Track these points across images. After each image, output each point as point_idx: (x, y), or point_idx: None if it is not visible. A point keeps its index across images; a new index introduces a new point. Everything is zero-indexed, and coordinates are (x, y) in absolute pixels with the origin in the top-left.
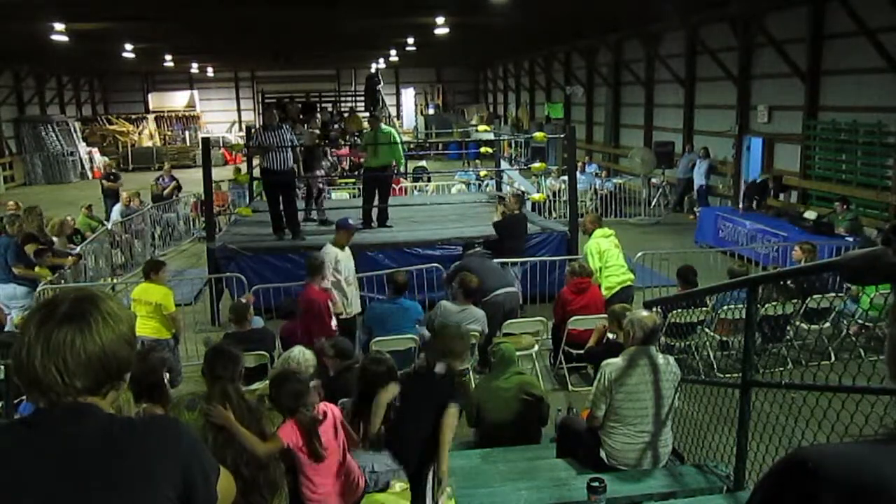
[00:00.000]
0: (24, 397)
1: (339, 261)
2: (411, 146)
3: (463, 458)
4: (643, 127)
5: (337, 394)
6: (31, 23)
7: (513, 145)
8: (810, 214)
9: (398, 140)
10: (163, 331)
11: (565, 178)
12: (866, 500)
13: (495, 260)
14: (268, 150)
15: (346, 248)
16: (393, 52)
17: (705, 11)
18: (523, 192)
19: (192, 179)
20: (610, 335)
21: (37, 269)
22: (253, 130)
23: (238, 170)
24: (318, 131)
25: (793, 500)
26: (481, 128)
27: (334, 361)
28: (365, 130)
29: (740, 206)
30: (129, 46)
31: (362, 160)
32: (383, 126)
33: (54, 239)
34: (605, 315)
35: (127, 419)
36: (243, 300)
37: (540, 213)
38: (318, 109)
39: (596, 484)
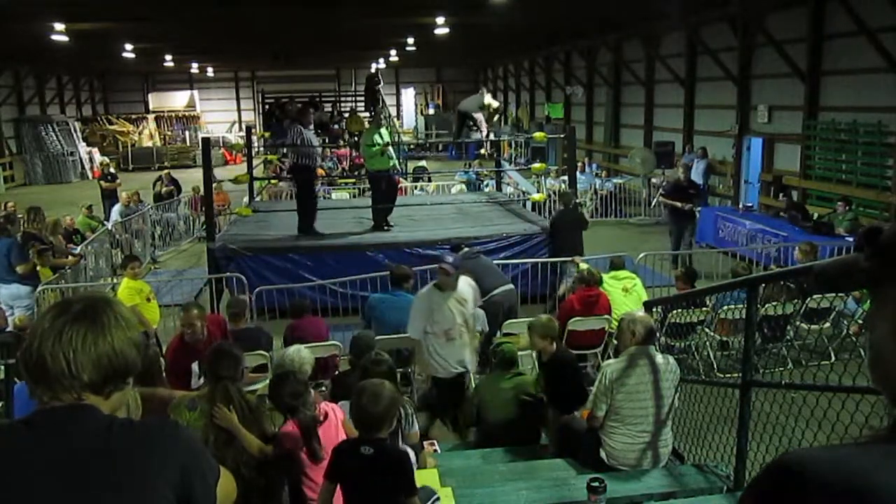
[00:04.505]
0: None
1: (434, 309)
2: (411, 146)
3: (463, 458)
4: (643, 127)
5: (345, 392)
6: (31, 23)
7: (513, 145)
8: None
9: (379, 142)
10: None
11: (565, 178)
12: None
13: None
14: (299, 147)
15: (452, 291)
16: (393, 52)
17: (705, 11)
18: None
19: (192, 179)
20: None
21: (39, 268)
22: (284, 124)
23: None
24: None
25: None
26: None
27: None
28: (364, 130)
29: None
30: (129, 46)
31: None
32: (382, 130)
33: (50, 239)
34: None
35: (126, 420)
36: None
37: (540, 213)
38: (319, 109)
39: (596, 484)
